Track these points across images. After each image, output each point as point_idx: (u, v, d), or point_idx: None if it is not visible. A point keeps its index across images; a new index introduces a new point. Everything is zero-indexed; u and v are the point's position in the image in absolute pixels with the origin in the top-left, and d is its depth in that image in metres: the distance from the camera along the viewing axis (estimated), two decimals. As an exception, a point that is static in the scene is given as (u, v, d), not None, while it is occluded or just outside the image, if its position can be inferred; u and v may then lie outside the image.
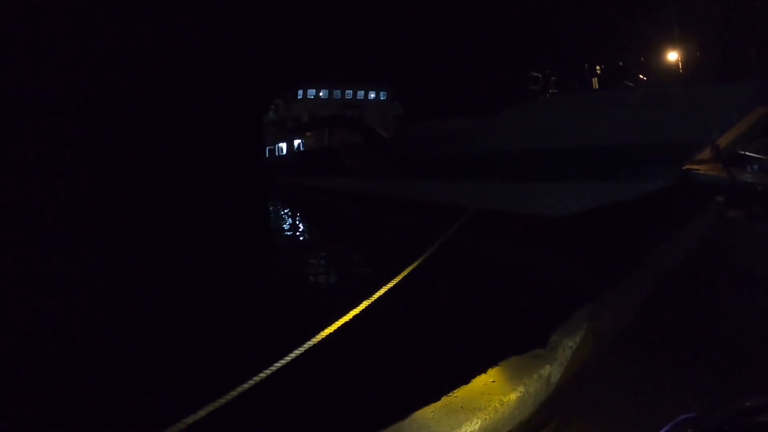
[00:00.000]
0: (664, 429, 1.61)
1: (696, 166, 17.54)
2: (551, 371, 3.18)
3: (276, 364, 3.27)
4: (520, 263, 11.45)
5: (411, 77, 31.63)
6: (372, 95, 26.58)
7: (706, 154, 14.28)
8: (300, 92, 26.91)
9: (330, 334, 3.62)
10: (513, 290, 8.76)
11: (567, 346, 3.40)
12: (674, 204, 11.43)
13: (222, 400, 2.92)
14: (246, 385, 3.06)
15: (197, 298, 9.12)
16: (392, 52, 36.24)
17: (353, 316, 3.76)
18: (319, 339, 3.55)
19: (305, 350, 3.45)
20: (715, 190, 13.88)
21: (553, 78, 13.16)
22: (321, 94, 26.50)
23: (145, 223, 19.64)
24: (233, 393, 2.98)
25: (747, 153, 35.26)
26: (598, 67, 13.01)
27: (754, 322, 4.82)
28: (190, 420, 2.74)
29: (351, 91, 26.10)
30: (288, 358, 3.36)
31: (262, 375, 3.17)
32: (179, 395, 3.85)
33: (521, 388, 2.95)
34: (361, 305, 3.84)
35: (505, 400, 2.85)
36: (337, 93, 26.13)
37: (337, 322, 3.79)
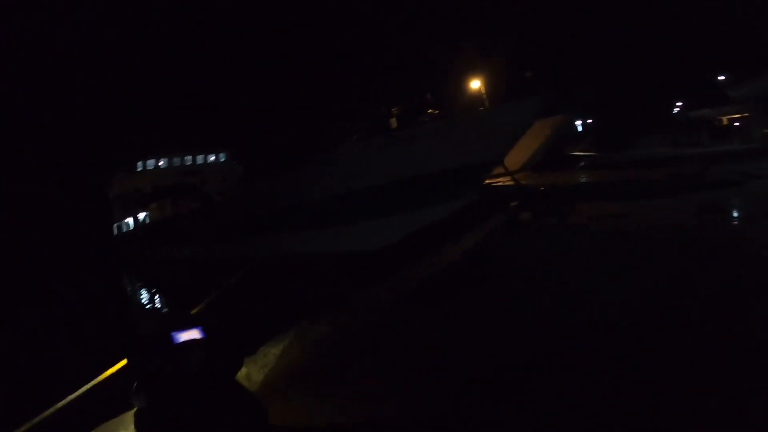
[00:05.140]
0: None
1: (496, 180, 20.39)
2: (249, 372, 3.85)
3: None
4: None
5: (248, 138, 32.12)
6: (212, 158, 26.76)
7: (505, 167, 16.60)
8: (140, 164, 26.28)
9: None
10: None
11: (270, 353, 4.14)
12: (473, 215, 12.91)
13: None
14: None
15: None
16: (229, 113, 36.24)
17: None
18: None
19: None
20: (509, 197, 16.34)
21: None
22: (161, 163, 26.13)
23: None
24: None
25: (575, 153, 40.60)
26: (393, 109, 14.42)
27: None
28: None
29: (190, 157, 26.09)
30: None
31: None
32: None
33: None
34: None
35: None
36: (176, 161, 25.97)
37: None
